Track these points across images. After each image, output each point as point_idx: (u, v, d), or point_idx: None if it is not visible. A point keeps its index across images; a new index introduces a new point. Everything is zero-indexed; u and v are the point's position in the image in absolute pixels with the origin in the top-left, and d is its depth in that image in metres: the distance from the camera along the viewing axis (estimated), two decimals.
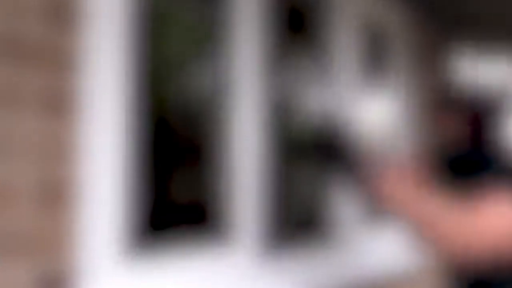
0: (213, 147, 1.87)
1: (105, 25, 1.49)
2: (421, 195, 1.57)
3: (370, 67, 2.74)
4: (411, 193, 1.57)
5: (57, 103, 1.38)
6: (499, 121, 1.73)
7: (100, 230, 1.45)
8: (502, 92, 1.72)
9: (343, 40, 2.51)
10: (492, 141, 1.72)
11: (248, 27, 2.00)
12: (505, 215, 1.54)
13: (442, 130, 1.77)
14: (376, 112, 2.75)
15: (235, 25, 1.96)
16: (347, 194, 2.47)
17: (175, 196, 1.72)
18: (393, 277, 2.76)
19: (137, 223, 1.59)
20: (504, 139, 1.73)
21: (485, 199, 1.56)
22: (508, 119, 1.74)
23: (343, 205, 2.46)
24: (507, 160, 1.69)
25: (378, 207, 1.61)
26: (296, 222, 2.21)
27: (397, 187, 1.58)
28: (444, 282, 1.85)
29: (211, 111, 1.87)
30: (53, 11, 1.38)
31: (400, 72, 2.99)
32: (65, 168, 1.39)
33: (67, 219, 1.39)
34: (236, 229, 1.92)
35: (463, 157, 1.75)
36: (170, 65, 1.72)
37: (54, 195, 1.36)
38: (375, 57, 2.79)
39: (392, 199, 1.58)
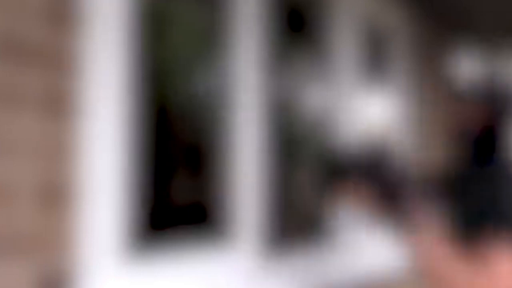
0: (214, 147, 1.87)
1: (105, 26, 1.49)
2: (447, 258, 1.61)
3: (371, 67, 2.74)
4: (444, 259, 1.61)
5: (58, 103, 1.38)
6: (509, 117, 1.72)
7: (100, 230, 1.45)
8: (509, 89, 1.71)
9: (343, 39, 2.51)
10: (503, 138, 1.72)
11: (249, 27, 2.00)
12: None
13: (456, 123, 1.76)
14: (376, 111, 2.75)
15: (236, 25, 1.96)
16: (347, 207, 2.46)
17: (176, 196, 1.72)
18: (391, 279, 2.76)
19: (137, 223, 1.59)
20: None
21: (496, 257, 1.56)
22: None
23: (342, 207, 2.45)
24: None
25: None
26: (296, 223, 2.21)
27: (436, 254, 1.63)
28: None
29: (212, 112, 1.87)
30: (53, 12, 1.38)
31: (401, 71, 2.99)
32: (65, 168, 1.39)
33: (67, 219, 1.39)
34: (236, 229, 1.92)
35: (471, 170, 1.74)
36: (171, 66, 1.72)
37: (54, 195, 1.36)
38: (376, 57, 2.79)
39: (429, 261, 1.62)
